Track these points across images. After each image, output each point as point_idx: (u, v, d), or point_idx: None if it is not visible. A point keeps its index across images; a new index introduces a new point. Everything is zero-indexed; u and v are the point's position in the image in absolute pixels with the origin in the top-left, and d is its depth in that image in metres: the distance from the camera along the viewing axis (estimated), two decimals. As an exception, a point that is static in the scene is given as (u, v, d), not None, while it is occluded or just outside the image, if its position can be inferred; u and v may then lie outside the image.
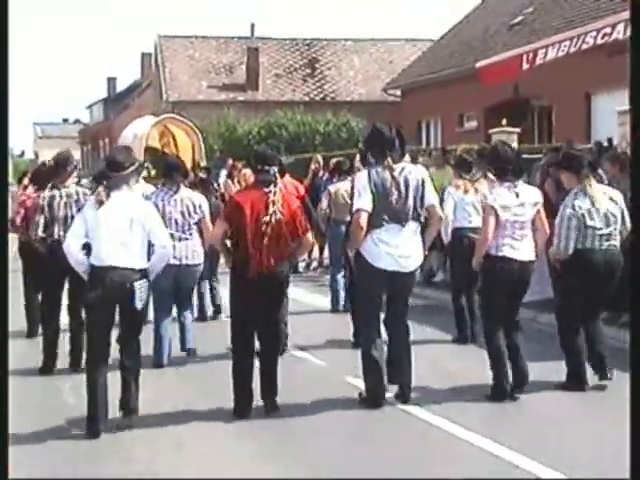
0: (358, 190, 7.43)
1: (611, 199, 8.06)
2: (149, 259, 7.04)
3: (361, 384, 7.60)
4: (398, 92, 33.56)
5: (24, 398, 8.20)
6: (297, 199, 9.67)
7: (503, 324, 7.81)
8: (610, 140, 14.54)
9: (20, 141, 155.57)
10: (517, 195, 7.77)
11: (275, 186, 7.28)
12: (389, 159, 7.42)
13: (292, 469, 6.11)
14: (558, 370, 8.14)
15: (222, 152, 28.86)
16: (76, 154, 31.13)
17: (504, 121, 18.55)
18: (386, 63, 38.91)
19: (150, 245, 7.02)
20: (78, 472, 6.17)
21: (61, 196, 8.83)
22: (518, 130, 18.65)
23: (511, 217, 7.69)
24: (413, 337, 9.41)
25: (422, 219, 7.58)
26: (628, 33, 10.59)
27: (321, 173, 17.27)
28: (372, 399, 7.45)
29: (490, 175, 8.08)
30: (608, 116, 17.50)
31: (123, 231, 6.84)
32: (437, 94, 28.65)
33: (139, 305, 6.77)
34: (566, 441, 6.67)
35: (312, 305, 12.85)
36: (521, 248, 7.75)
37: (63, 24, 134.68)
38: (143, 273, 6.88)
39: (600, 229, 7.91)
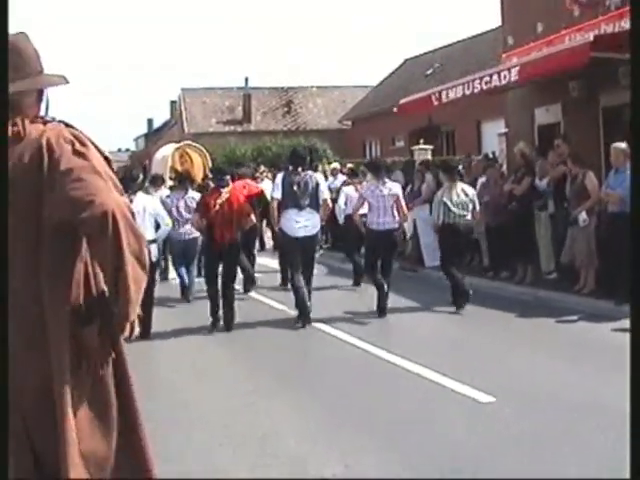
0: (276, 185, 8.29)
1: (465, 194, 8.89)
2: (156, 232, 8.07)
3: (288, 310, 8.58)
4: (349, 122, 33.40)
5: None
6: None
7: (378, 268, 8.61)
8: (494, 153, 14.55)
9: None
10: (381, 189, 8.54)
11: (229, 188, 8.11)
12: (299, 168, 8.18)
13: (245, 363, 6.89)
14: (435, 302, 9.07)
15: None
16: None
17: (422, 141, 18.45)
18: (341, 102, 38.50)
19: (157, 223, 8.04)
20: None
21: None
22: (432, 147, 18.52)
23: (375, 202, 8.51)
24: (328, 283, 10.89)
25: (320, 207, 8.26)
26: (502, 80, 10.53)
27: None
28: (302, 319, 8.00)
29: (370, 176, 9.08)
30: (492, 137, 17.48)
31: (140, 216, 7.36)
32: (376, 123, 28.55)
33: (154, 259, 7.37)
34: (437, 343, 7.39)
35: (269, 266, 13.22)
36: (385, 221, 8.50)
37: (117, 83, 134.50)
38: (152, 241, 7.55)
39: (456, 211, 8.78)
